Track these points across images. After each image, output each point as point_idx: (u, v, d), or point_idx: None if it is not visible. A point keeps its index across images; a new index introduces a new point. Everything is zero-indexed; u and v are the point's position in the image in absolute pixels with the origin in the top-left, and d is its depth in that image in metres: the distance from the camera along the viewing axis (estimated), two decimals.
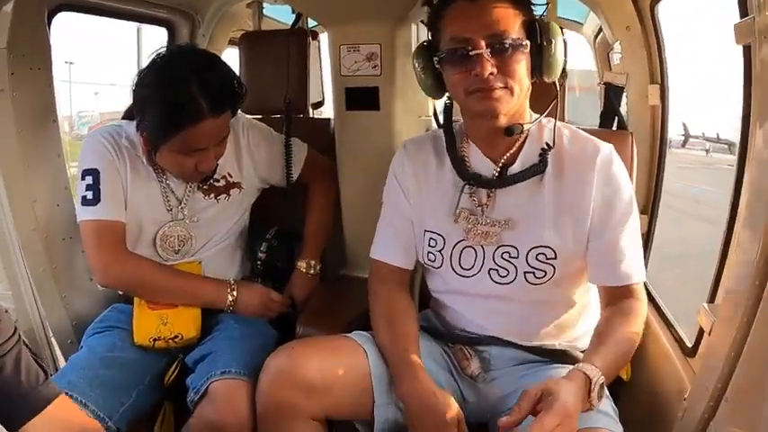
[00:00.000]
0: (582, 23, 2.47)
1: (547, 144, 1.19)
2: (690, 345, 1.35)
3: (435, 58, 1.15)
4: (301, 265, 1.65)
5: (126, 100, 1.42)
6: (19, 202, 1.55)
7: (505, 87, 1.11)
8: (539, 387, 0.98)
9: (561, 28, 1.17)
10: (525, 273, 1.20)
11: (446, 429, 1.12)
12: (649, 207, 1.82)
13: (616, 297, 1.19)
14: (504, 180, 1.20)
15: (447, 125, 1.28)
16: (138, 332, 1.43)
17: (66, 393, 1.20)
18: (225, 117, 1.37)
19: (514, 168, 1.21)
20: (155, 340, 1.42)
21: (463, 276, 1.25)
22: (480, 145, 1.24)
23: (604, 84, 1.68)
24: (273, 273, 1.68)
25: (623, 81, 1.68)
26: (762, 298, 0.92)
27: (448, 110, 1.28)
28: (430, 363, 1.24)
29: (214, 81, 1.33)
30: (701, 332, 1.27)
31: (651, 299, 1.66)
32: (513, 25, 1.11)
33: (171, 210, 1.51)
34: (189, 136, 1.32)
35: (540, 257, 1.19)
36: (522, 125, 1.17)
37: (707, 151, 16.21)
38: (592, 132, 1.30)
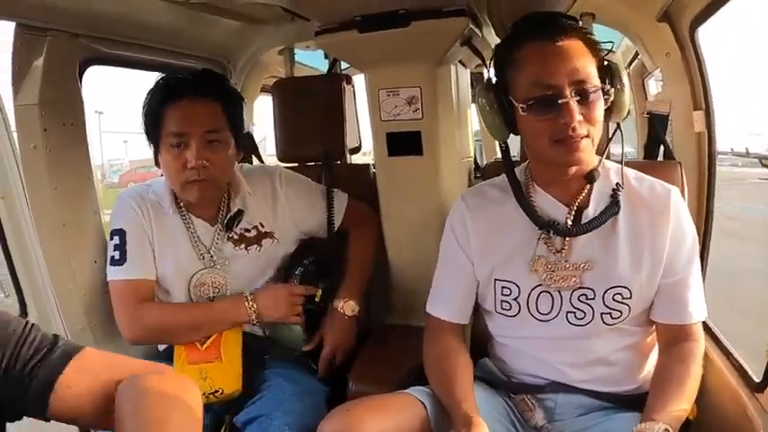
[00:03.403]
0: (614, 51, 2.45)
1: (617, 184, 1.18)
2: (757, 380, 1.29)
3: (522, 106, 1.11)
4: (339, 304, 1.54)
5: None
6: (55, 261, 1.53)
7: (587, 136, 1.10)
8: None
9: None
10: (602, 314, 1.18)
11: None
12: (701, 236, 1.75)
13: (676, 337, 1.18)
14: (581, 228, 1.17)
15: (510, 170, 1.24)
16: None
17: None
18: (208, 105, 1.40)
19: (589, 212, 1.19)
20: None
21: (541, 321, 1.22)
22: (551, 190, 1.22)
23: (647, 114, 1.63)
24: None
25: (667, 109, 1.63)
26: None
27: (507, 154, 1.25)
28: (489, 415, 1.18)
29: (204, 73, 1.50)
30: None
31: (712, 333, 1.59)
32: (592, 70, 1.10)
33: (203, 257, 1.49)
34: (172, 115, 1.38)
35: (617, 297, 1.17)
36: (597, 169, 1.18)
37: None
38: (638, 164, 1.27)
